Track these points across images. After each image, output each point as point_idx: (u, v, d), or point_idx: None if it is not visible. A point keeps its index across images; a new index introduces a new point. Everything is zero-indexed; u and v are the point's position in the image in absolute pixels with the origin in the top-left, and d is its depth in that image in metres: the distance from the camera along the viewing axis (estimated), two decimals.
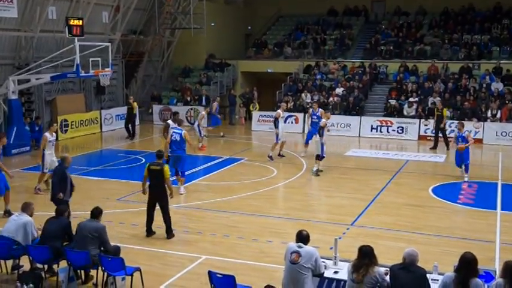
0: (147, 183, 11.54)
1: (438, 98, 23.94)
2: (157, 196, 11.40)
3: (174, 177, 14.36)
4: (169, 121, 17.41)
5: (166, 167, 11.48)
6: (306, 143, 20.18)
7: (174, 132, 14.54)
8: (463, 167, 16.40)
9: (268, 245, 11.12)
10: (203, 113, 22.01)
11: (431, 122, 23.05)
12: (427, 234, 11.77)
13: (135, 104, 24.59)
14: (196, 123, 21.57)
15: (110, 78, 22.00)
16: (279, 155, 19.46)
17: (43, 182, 14.98)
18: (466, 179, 16.22)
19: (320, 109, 19.99)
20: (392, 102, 25.14)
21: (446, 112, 22.26)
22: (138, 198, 14.10)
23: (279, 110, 19.58)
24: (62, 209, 9.61)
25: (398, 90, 26.21)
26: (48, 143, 14.74)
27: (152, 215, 11.50)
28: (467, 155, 16.31)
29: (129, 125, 24.10)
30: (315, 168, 17.01)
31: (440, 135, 21.85)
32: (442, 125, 21.76)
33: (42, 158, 14.76)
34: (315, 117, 19.53)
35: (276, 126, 19.06)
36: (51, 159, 14.75)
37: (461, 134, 16.42)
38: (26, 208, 9.59)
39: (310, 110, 21.17)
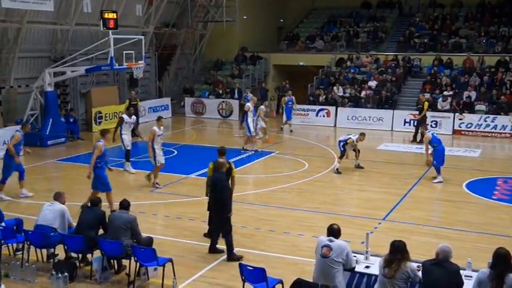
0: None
1: (428, 94, 24.01)
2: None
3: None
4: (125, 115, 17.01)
5: (233, 165, 11.09)
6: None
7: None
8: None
9: (299, 239, 11.11)
10: (262, 107, 21.46)
11: (467, 116, 22.68)
12: (460, 230, 11.61)
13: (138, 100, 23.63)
14: (256, 117, 20.40)
15: (143, 71, 22.16)
16: (243, 149, 19.37)
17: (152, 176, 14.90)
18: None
19: (251, 94, 22.26)
20: (426, 95, 24.78)
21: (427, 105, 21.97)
22: (170, 190, 14.28)
23: (248, 104, 19.84)
24: (97, 200, 9.74)
25: (432, 83, 25.82)
26: (156, 137, 14.63)
27: None
28: (434, 156, 15.71)
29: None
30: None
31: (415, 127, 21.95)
32: (419, 117, 21.82)
33: (154, 153, 14.57)
34: (290, 102, 23.71)
35: (245, 120, 19.17)
36: (159, 153, 14.71)
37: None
38: (59, 197, 9.74)
39: (286, 97, 24.38)
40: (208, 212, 10.59)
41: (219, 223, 10.07)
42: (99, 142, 12.39)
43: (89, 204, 10.85)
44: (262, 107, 21.46)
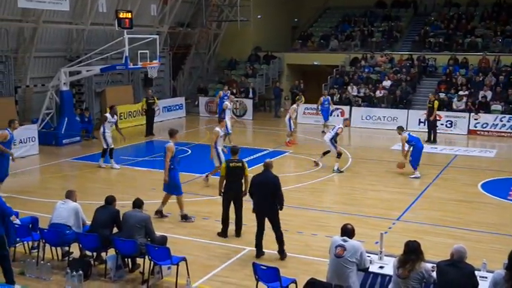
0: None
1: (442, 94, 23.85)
2: (235, 194, 11.02)
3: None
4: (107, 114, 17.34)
5: (246, 164, 11.13)
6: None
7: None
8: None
9: (313, 238, 11.10)
10: (295, 106, 21.47)
11: (482, 116, 22.49)
12: (475, 230, 11.53)
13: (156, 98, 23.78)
14: (287, 117, 20.51)
15: (158, 70, 22.24)
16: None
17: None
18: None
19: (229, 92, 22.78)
20: (441, 95, 24.61)
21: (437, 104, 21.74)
22: (184, 189, 14.29)
23: (226, 102, 20.53)
24: (111, 198, 9.80)
25: (447, 83, 25.64)
26: (219, 138, 14.80)
27: (228, 213, 11.14)
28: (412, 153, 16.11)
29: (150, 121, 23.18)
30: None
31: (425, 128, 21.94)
32: (431, 118, 21.52)
33: (216, 152, 14.68)
34: (326, 102, 23.12)
35: (223, 117, 19.06)
36: (221, 153, 14.77)
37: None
38: (71, 195, 9.79)
39: (322, 97, 23.57)
40: (254, 213, 10.22)
41: (272, 221, 9.98)
42: (169, 143, 11.98)
43: (162, 208, 11.86)
44: (294, 106, 21.30)
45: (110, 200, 9.69)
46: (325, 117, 23.57)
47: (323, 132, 22.50)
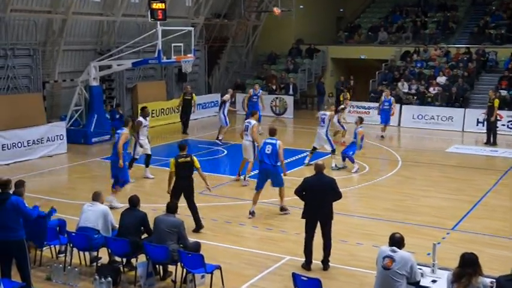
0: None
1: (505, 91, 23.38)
2: (186, 190, 11.70)
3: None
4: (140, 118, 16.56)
5: (195, 158, 11.90)
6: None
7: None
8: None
9: (358, 248, 11.03)
10: (342, 106, 21.51)
11: None
12: None
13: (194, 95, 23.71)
14: (336, 119, 20.22)
15: (192, 65, 22.36)
16: (217, 139, 20.79)
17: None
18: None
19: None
20: (503, 93, 24.11)
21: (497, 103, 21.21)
22: (219, 192, 14.39)
23: (227, 95, 21.45)
24: (135, 199, 9.79)
25: (509, 79, 25.14)
26: (259, 135, 15.55)
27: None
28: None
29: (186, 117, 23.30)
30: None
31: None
32: (492, 118, 21.02)
33: (254, 148, 15.21)
34: (387, 103, 22.19)
35: (222, 111, 20.69)
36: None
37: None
38: (97, 197, 9.95)
39: (382, 96, 22.83)
40: (304, 220, 10.20)
41: (325, 227, 9.97)
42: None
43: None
44: (342, 106, 21.47)
45: (135, 202, 9.74)
46: (383, 119, 22.51)
47: (382, 137, 22.15)
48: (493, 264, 9.17)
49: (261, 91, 23.25)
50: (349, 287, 8.14)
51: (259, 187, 12.75)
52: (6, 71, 19.58)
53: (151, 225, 9.53)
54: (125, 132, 13.87)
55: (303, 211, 10.17)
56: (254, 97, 22.42)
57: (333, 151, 17.16)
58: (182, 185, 11.68)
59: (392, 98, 22.85)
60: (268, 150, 12.62)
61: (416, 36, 30.72)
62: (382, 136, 22.16)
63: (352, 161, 16.78)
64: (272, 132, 12.98)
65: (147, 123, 16.60)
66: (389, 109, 22.48)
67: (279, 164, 12.73)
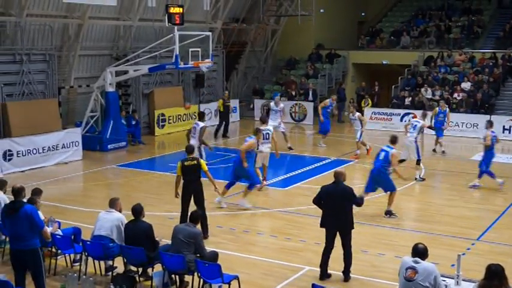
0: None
1: None
2: (195, 194, 11.79)
3: None
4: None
5: (202, 161, 12.14)
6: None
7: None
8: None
9: (379, 258, 10.96)
10: (358, 114, 21.32)
11: None
12: None
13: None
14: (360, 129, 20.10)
15: (210, 70, 22.48)
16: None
17: None
18: None
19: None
20: None
21: None
22: (237, 200, 14.39)
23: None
24: (138, 208, 9.69)
25: None
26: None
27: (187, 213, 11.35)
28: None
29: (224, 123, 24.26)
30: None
31: None
32: None
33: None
34: (442, 114, 20.96)
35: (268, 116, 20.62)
36: None
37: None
38: (114, 204, 9.96)
39: (437, 108, 21.46)
40: (324, 228, 10.14)
41: (344, 237, 9.91)
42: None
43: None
44: (358, 114, 20.95)
45: (138, 211, 9.64)
46: (439, 132, 21.03)
47: (434, 150, 21.20)
48: None
49: (333, 103, 23.05)
50: None
51: (366, 190, 13.72)
52: (21, 77, 19.75)
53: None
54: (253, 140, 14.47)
55: (321, 220, 10.14)
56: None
57: (418, 161, 17.07)
58: (190, 189, 11.76)
59: (447, 109, 21.49)
60: (381, 157, 13.54)
61: (440, 40, 30.59)
62: (443, 151, 20.92)
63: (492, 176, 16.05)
64: (393, 140, 13.80)
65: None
66: (444, 120, 21.05)
67: (389, 170, 13.49)
